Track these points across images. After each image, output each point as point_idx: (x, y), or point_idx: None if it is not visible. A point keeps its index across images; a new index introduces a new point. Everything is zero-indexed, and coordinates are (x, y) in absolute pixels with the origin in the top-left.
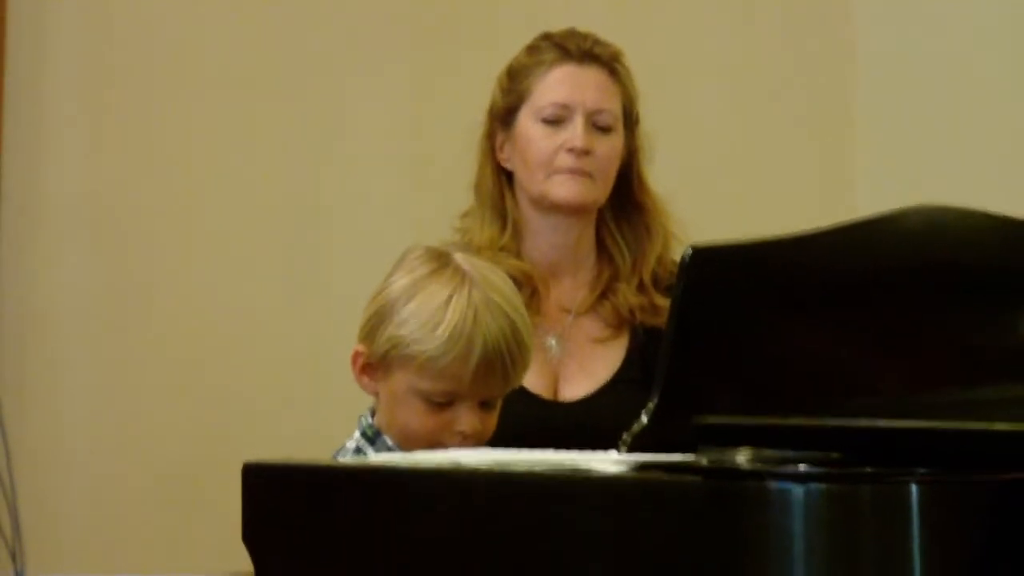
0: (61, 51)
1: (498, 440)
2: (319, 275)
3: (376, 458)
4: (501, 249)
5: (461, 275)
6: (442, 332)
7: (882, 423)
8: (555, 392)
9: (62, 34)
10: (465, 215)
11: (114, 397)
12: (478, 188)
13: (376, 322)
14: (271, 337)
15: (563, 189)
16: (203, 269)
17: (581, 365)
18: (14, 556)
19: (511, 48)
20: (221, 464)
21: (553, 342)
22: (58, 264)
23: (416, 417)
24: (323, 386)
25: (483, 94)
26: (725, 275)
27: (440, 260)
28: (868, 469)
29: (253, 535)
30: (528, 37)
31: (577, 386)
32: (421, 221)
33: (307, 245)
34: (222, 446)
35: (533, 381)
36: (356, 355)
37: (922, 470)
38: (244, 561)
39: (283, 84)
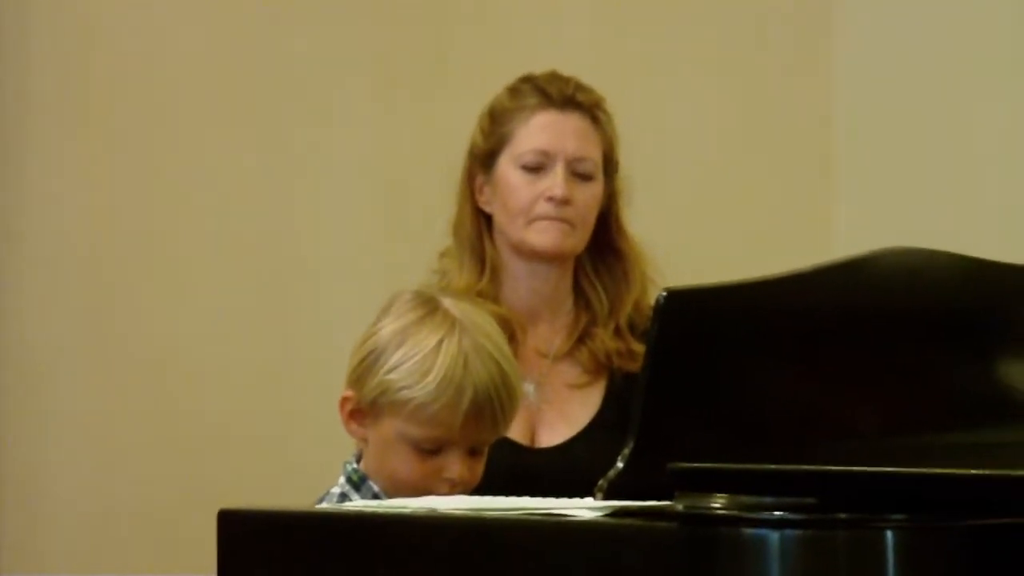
0: (43, 67)
1: (476, 487)
2: (297, 292)
3: (354, 505)
4: (479, 294)
5: (451, 321)
6: (432, 379)
7: (857, 469)
8: (533, 438)
9: (44, 48)
10: (443, 255)
11: (99, 404)
12: (457, 230)
13: (365, 368)
14: (250, 355)
15: (542, 237)
16: (181, 296)
17: (559, 411)
18: None
19: (489, 79)
20: (204, 474)
21: (531, 388)
22: (39, 293)
23: (404, 464)
24: (304, 404)
25: (459, 124)
26: (700, 318)
27: (429, 305)
28: (843, 515)
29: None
30: (508, 68)
31: (555, 432)
32: (395, 250)
33: (282, 266)
34: (206, 455)
35: (512, 427)
36: (344, 400)
37: (898, 516)
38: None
39: (254, 117)
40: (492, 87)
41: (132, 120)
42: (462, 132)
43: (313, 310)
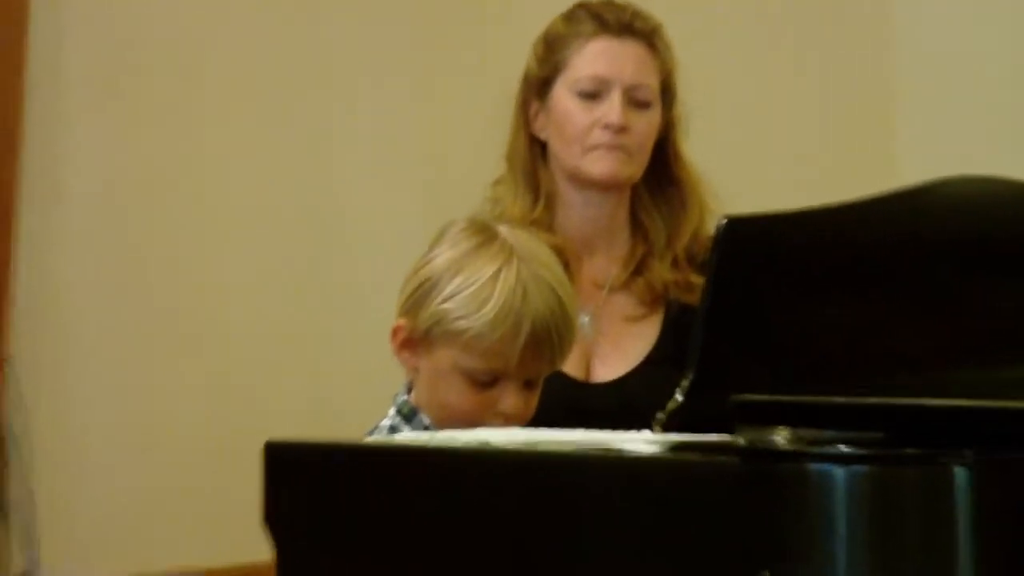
0: (80, 50)
1: (532, 421)
2: (334, 265)
3: (403, 437)
4: (533, 222)
5: (508, 250)
6: (490, 309)
7: (927, 402)
8: (588, 373)
9: (80, 33)
10: (497, 183)
11: (131, 390)
12: (511, 158)
13: (419, 296)
14: (287, 332)
15: (599, 165)
16: (219, 266)
17: (615, 344)
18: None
19: (531, 28)
20: (239, 455)
21: (586, 320)
22: (77, 263)
23: (458, 395)
24: (343, 381)
25: (500, 75)
26: (761, 247)
27: (485, 233)
28: (913, 450)
29: (275, 517)
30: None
31: (611, 366)
32: (433, 211)
33: (321, 235)
34: (240, 439)
35: (567, 362)
36: (396, 329)
37: (969, 450)
38: (257, 552)
39: (293, 79)
40: (533, 34)
41: (175, 85)
42: (502, 84)
43: (352, 271)
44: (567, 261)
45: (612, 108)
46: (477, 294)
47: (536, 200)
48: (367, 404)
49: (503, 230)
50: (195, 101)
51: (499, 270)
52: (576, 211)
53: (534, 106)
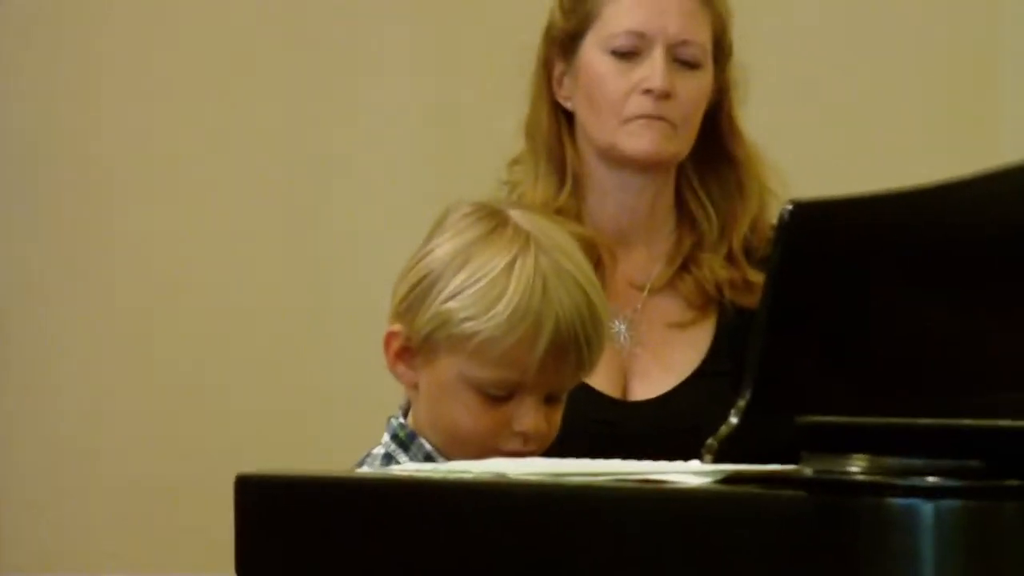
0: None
1: (554, 449)
2: (320, 263)
3: (402, 469)
4: (558, 211)
5: (524, 236)
6: (503, 307)
7: None
8: (624, 390)
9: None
10: (514, 163)
11: (101, 396)
12: (530, 132)
13: (417, 296)
14: (269, 343)
15: (637, 140)
16: (194, 266)
17: (656, 356)
18: None
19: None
20: (211, 468)
21: (622, 327)
22: (44, 260)
23: (467, 414)
24: (328, 392)
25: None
26: (834, 238)
27: (495, 218)
28: (1015, 481)
29: (251, 565)
30: None
31: (652, 382)
32: (436, 202)
33: (307, 227)
34: (215, 451)
35: (597, 376)
36: (390, 337)
37: None
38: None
39: (290, 41)
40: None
41: (169, 57)
42: (520, 40)
43: (341, 270)
44: (599, 257)
45: (653, 70)
46: (487, 290)
47: (561, 184)
48: (358, 422)
49: (515, 214)
50: (168, 84)
51: (513, 261)
52: (610, 196)
53: (558, 68)
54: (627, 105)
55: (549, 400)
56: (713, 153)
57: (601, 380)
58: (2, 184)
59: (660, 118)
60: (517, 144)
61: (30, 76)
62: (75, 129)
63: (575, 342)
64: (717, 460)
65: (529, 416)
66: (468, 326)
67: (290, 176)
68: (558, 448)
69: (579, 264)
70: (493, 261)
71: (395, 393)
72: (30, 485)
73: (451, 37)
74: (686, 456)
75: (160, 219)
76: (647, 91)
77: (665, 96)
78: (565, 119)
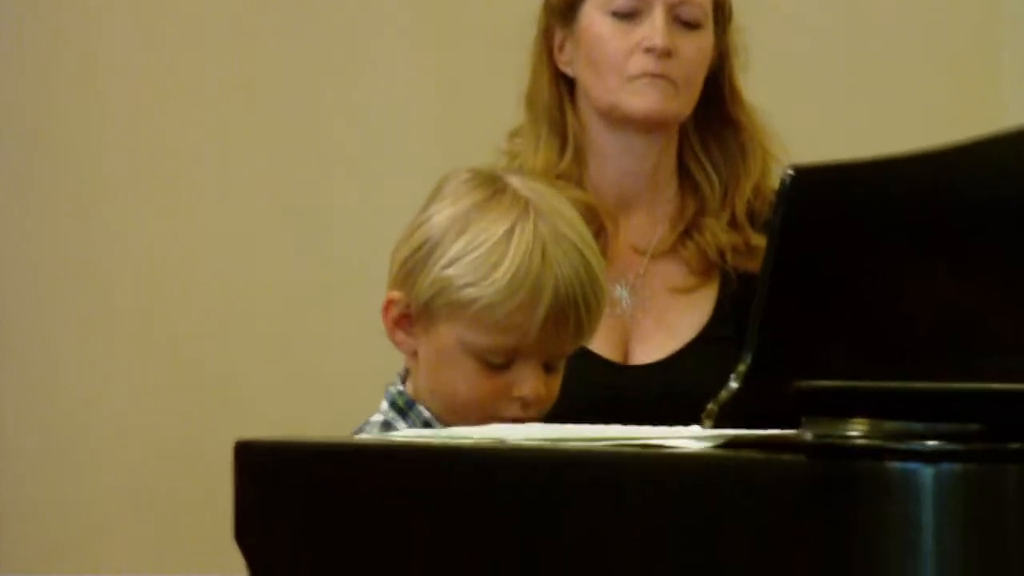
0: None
1: (555, 415)
2: (316, 236)
3: (401, 435)
4: (559, 176)
5: (523, 202)
6: (503, 273)
7: None
8: (625, 355)
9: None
10: (514, 134)
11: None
12: (531, 100)
13: (416, 262)
14: (261, 316)
15: (639, 98)
16: (187, 252)
17: (658, 321)
18: None
19: None
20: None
21: (624, 293)
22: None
23: (466, 380)
24: (325, 385)
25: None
26: (835, 203)
27: (493, 184)
28: (1017, 444)
29: (249, 532)
30: None
31: (653, 347)
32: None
33: (301, 199)
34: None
35: (599, 341)
36: (388, 304)
37: None
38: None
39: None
40: None
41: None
42: (518, 9)
43: (337, 241)
44: (601, 222)
45: (654, 28)
46: (487, 256)
47: (563, 149)
48: (352, 397)
49: (514, 180)
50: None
51: (512, 227)
52: (612, 161)
53: (558, 35)
54: (629, 64)
55: (548, 367)
56: (715, 117)
57: (602, 345)
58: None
59: (662, 76)
60: (517, 116)
61: (30, 72)
62: (77, 117)
63: (574, 307)
64: (717, 425)
65: (529, 382)
66: (467, 292)
67: (290, 155)
68: (559, 412)
69: (578, 230)
70: (492, 227)
71: (388, 365)
72: (29, 485)
73: (452, 14)
74: (687, 421)
75: (160, 204)
76: (648, 50)
77: (666, 54)
78: (567, 87)
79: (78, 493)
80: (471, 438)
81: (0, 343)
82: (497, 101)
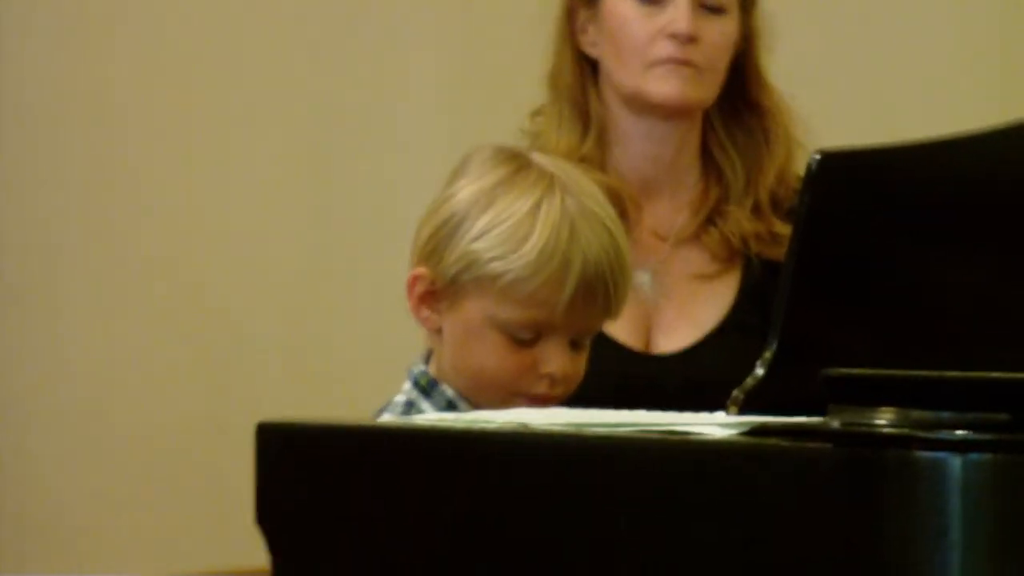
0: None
1: (576, 401)
2: (333, 216)
3: (425, 419)
4: (582, 159)
5: (548, 178)
6: (531, 247)
7: None
8: (647, 342)
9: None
10: (536, 114)
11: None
12: (553, 81)
13: (442, 238)
14: (283, 296)
15: (663, 85)
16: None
17: (681, 308)
18: None
19: None
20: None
21: (646, 279)
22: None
23: (493, 357)
24: (343, 373)
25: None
26: (862, 189)
27: (518, 161)
28: None
29: (270, 515)
30: None
31: (676, 335)
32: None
33: (318, 178)
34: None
35: (620, 328)
36: (413, 280)
37: None
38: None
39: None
40: None
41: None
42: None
43: (355, 222)
44: (623, 207)
45: (679, 13)
46: (515, 230)
47: (585, 132)
48: (374, 379)
49: (538, 156)
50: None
51: (539, 201)
52: (635, 145)
53: (581, 15)
54: (652, 49)
55: (574, 344)
56: (739, 102)
57: (624, 332)
58: (17, 143)
59: (686, 62)
60: (540, 96)
61: (42, 56)
62: (93, 101)
63: (603, 282)
64: (742, 412)
65: (556, 358)
66: (495, 266)
67: (309, 137)
68: (580, 400)
69: (604, 206)
70: (519, 202)
71: (408, 346)
72: (30, 485)
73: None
74: (710, 410)
75: (176, 188)
76: (672, 35)
77: (690, 40)
78: (589, 68)
79: (79, 493)
80: (495, 423)
81: (7, 341)
82: (516, 82)
